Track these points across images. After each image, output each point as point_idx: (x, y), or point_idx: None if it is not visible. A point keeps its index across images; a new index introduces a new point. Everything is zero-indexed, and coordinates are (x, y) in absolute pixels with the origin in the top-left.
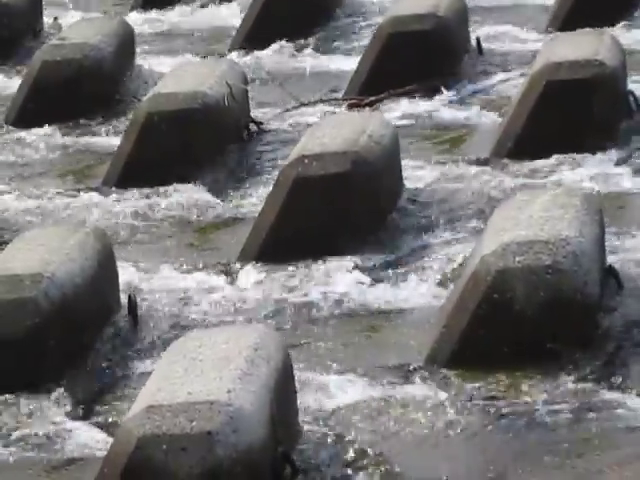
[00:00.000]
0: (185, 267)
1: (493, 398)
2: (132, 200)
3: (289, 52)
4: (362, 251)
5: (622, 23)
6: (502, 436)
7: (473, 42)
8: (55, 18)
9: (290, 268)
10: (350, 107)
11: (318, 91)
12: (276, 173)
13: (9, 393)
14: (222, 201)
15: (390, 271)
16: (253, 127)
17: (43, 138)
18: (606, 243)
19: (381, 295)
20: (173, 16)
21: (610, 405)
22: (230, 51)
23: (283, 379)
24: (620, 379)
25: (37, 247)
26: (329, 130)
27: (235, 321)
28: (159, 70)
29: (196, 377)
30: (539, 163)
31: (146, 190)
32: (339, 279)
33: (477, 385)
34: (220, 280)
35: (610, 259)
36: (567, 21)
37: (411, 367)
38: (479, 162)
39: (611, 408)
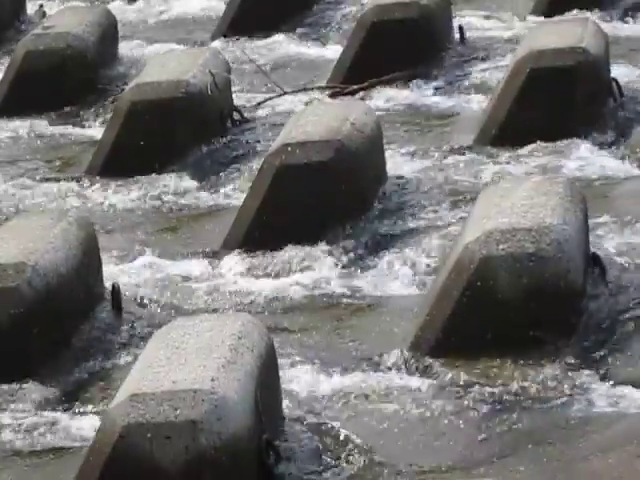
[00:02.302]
0: (169, 255)
1: (477, 385)
2: (115, 189)
3: (272, 40)
4: (346, 239)
5: (605, 10)
6: (486, 424)
7: (456, 30)
8: (40, 6)
9: (273, 256)
10: (333, 95)
11: (301, 79)
12: (259, 161)
13: None
14: (206, 189)
15: (374, 259)
16: (236, 115)
17: (26, 127)
18: (589, 230)
19: (365, 283)
20: (156, 5)
21: (593, 392)
22: (213, 40)
23: (267, 367)
24: (603, 366)
25: (20, 236)
26: (312, 118)
27: (219, 309)
28: (142, 59)
29: (180, 365)
30: (522, 150)
31: (129, 179)
32: (323, 267)
33: (461, 373)
34: (204, 268)
35: (593, 246)
36: (550, 9)
37: (395, 355)
38: (463, 149)
39: (594, 395)
